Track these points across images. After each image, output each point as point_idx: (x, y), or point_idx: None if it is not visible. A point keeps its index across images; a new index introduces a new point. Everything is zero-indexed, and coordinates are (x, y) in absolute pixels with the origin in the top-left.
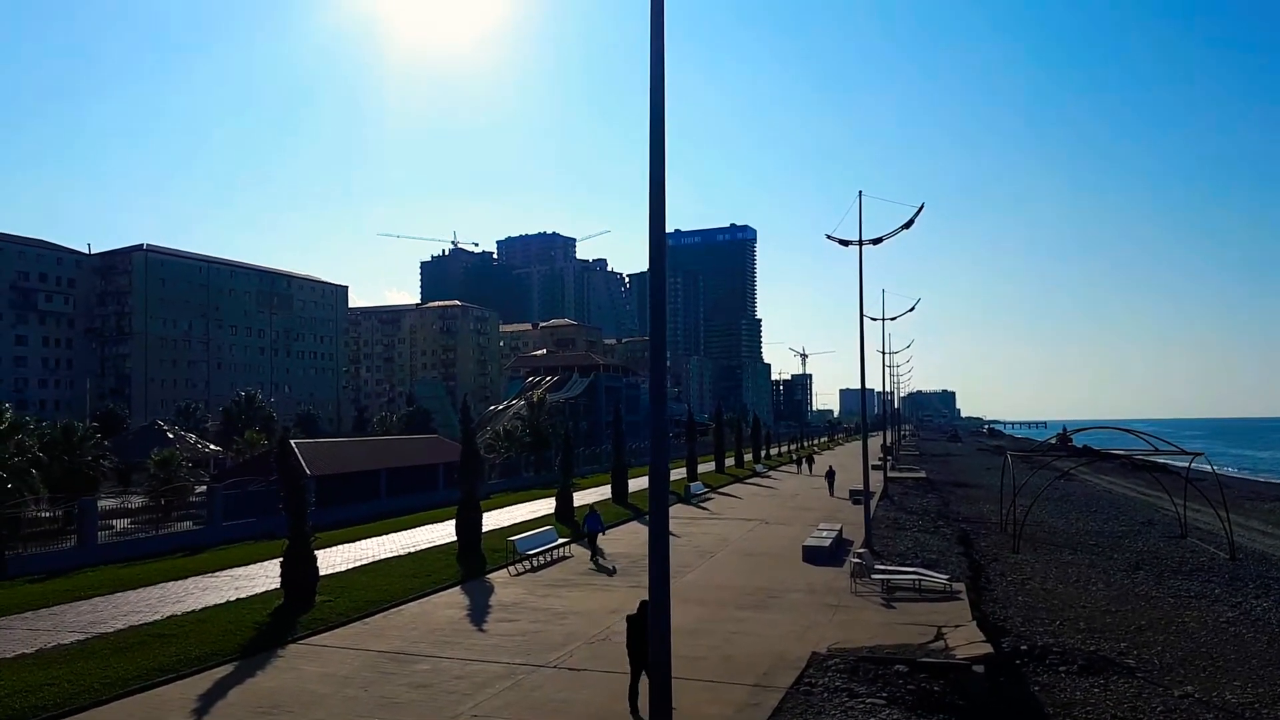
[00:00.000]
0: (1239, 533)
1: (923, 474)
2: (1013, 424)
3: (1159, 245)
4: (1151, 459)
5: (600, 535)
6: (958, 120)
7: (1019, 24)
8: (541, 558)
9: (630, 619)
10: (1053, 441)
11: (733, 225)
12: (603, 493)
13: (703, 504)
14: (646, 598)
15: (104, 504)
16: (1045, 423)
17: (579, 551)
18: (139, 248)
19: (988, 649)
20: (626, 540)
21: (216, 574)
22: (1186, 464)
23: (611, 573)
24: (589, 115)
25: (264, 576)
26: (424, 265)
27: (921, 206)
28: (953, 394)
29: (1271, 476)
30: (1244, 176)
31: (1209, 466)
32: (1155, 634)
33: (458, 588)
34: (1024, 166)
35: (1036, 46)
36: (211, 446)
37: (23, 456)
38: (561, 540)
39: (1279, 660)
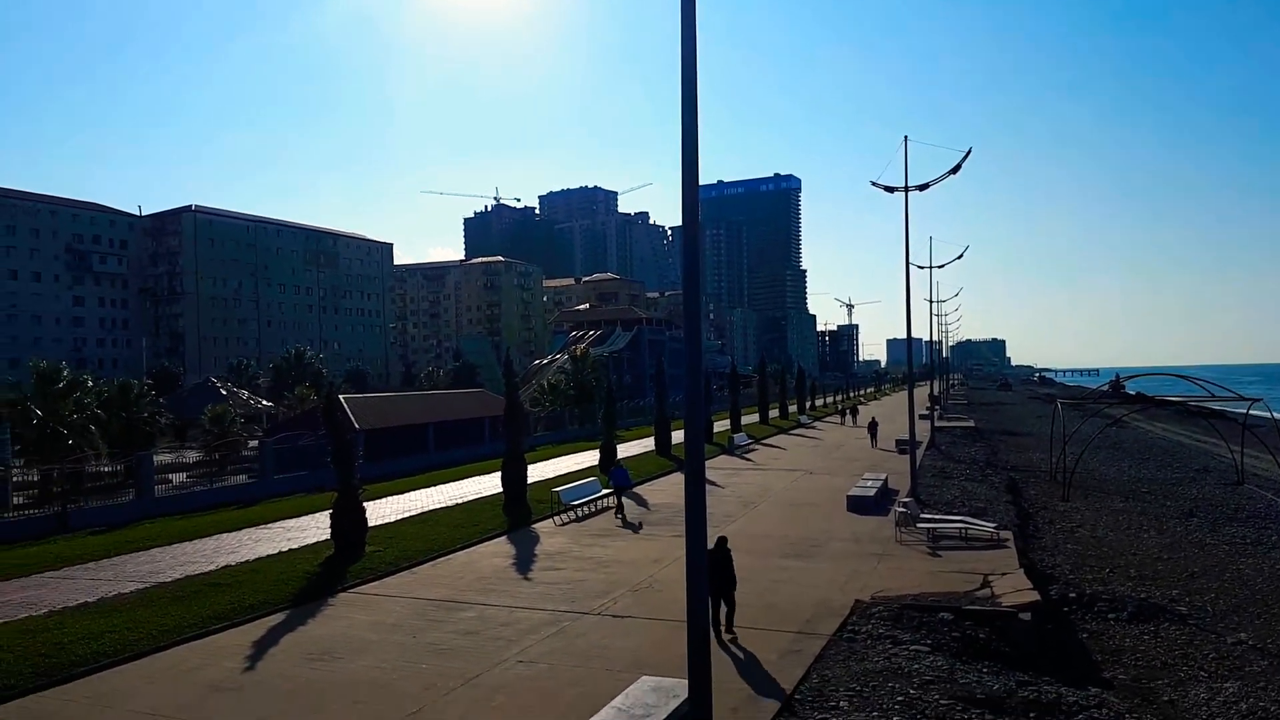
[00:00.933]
0: None
1: (971, 423)
2: (1065, 371)
3: (1205, 187)
4: (1207, 405)
5: (626, 490)
6: (1001, 62)
7: None
8: (586, 508)
9: (710, 553)
10: (1105, 389)
11: (776, 175)
12: (646, 444)
13: (746, 455)
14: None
15: (160, 459)
16: (1098, 370)
17: (624, 502)
18: (188, 209)
19: (1035, 596)
20: (672, 491)
21: (269, 526)
22: (1244, 410)
23: (637, 528)
24: (630, 69)
25: (315, 528)
26: (467, 222)
27: (969, 151)
28: (1003, 342)
29: None
30: None
31: (1266, 413)
32: (1208, 581)
33: (504, 537)
34: (1067, 109)
35: None
36: (263, 402)
37: (82, 414)
38: (605, 491)
39: None
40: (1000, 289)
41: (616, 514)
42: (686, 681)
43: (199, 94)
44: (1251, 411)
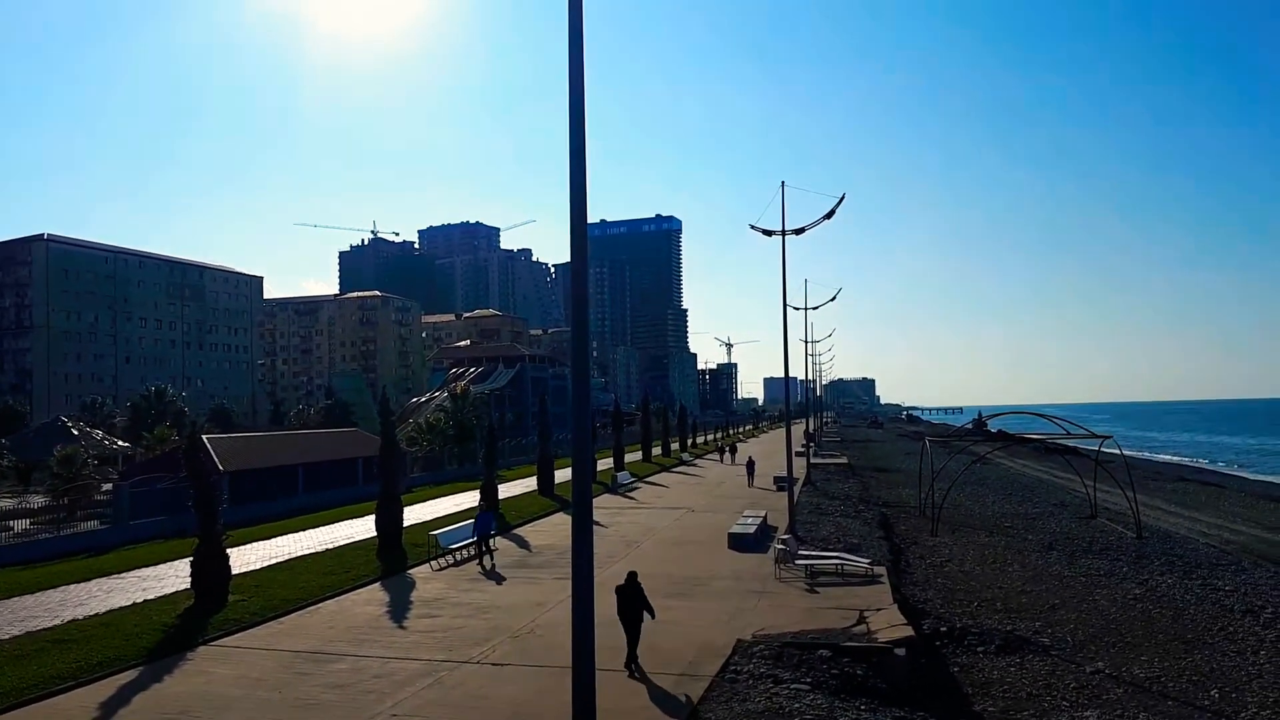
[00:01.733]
0: (1144, 512)
1: (844, 460)
2: (930, 410)
3: (1065, 237)
4: (1063, 442)
5: (492, 538)
6: (875, 110)
7: (935, 12)
8: (465, 551)
9: (619, 589)
10: (969, 426)
11: (658, 215)
12: (529, 484)
13: (629, 493)
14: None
15: (2, 504)
16: (961, 408)
17: (504, 544)
18: (39, 237)
19: (909, 631)
20: (553, 532)
21: (123, 575)
22: (1096, 447)
23: (500, 581)
24: (512, 105)
25: (173, 576)
26: (342, 255)
27: (843, 197)
28: (872, 381)
29: (1173, 457)
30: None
31: (1117, 449)
32: (1068, 612)
33: (377, 584)
34: (936, 155)
35: (947, 32)
36: (119, 443)
37: None
38: (467, 540)
39: (1184, 635)
40: (871, 330)
41: (479, 562)
42: None
43: (50, 115)
44: (1103, 449)
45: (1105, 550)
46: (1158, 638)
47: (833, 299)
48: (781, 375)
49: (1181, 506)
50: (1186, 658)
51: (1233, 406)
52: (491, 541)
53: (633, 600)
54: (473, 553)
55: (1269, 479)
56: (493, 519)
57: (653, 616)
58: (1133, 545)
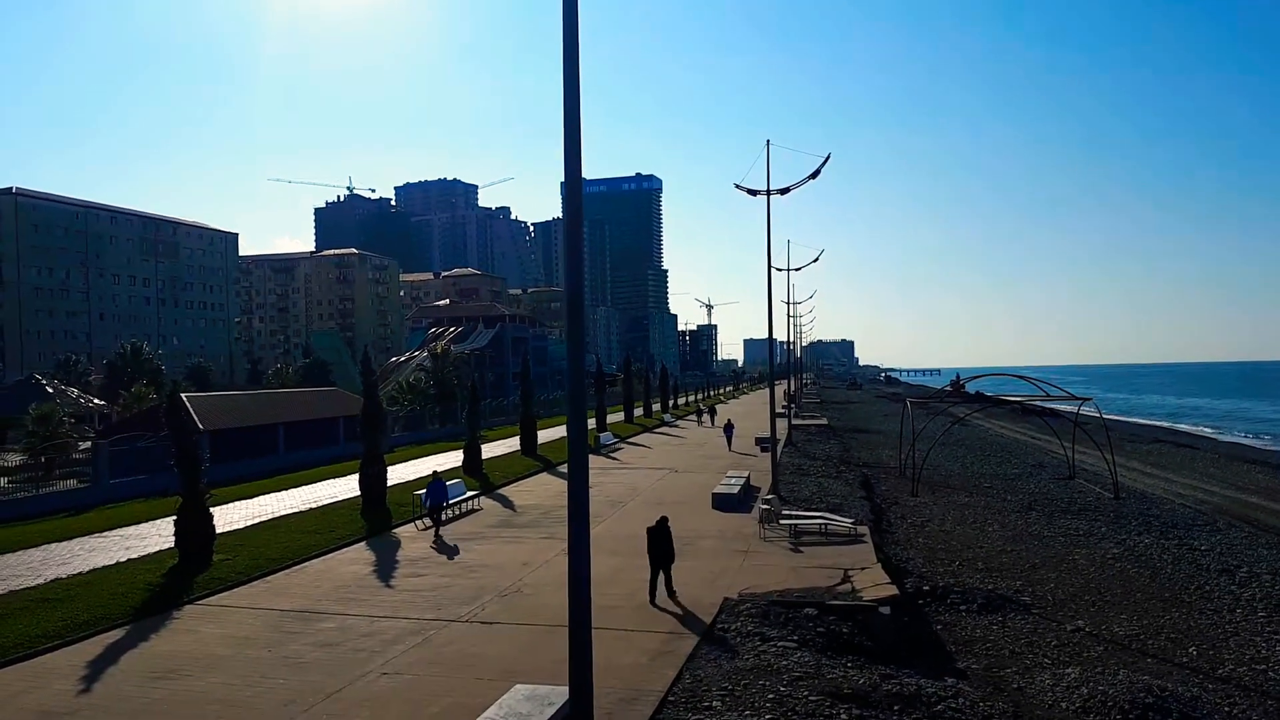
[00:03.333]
0: (1121, 473)
1: (825, 421)
2: (908, 371)
3: (1042, 200)
4: (1041, 404)
5: (445, 508)
6: (863, 67)
7: None
8: (449, 511)
9: (650, 530)
10: (948, 389)
11: (638, 175)
12: (511, 445)
13: (613, 454)
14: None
15: None
16: (939, 370)
17: (488, 504)
18: (8, 191)
19: (893, 590)
20: (538, 491)
21: (105, 534)
22: (1075, 409)
23: (453, 554)
24: (490, 59)
25: (156, 535)
26: (318, 212)
27: (828, 157)
28: (851, 343)
29: (1148, 419)
30: (1135, 122)
31: (1096, 411)
32: (1048, 571)
33: (363, 543)
34: (919, 117)
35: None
36: (96, 401)
37: None
38: (470, 493)
39: (1160, 594)
40: (850, 291)
41: (434, 538)
42: (561, 688)
43: (14, 68)
44: (1081, 410)
45: (1083, 510)
46: (1136, 596)
47: (815, 260)
48: (761, 337)
49: (1157, 468)
50: (1164, 616)
51: (1203, 369)
52: (445, 513)
53: (662, 541)
54: (427, 523)
55: (1240, 441)
56: (446, 488)
57: (672, 559)
58: (1110, 505)
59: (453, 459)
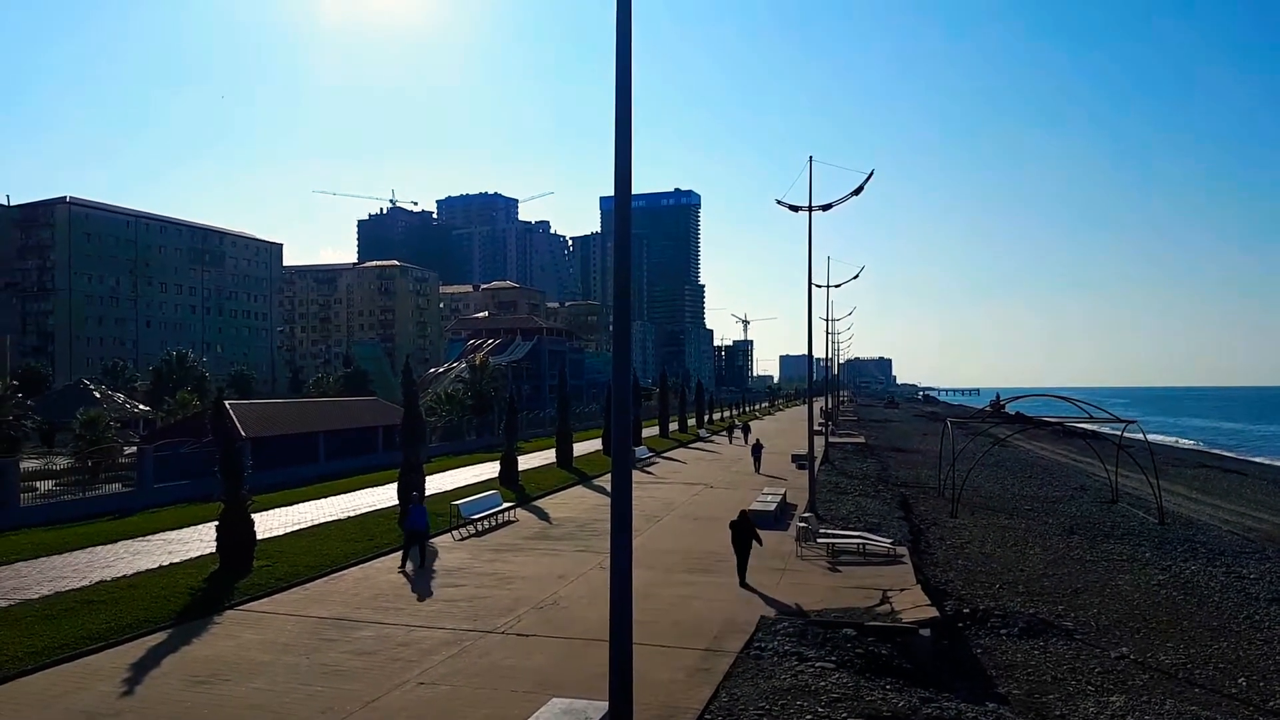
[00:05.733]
0: (1165, 498)
1: (862, 439)
2: (945, 390)
3: (1098, 216)
4: (1083, 426)
5: (423, 538)
6: (907, 85)
7: None
8: (486, 522)
9: (733, 524)
10: (988, 409)
11: (677, 190)
12: (546, 457)
13: (648, 469)
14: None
15: (26, 465)
16: (978, 390)
17: (524, 515)
18: (62, 200)
19: (933, 612)
20: (573, 504)
21: (148, 538)
22: (1119, 431)
23: (406, 599)
24: (532, 74)
25: (198, 541)
26: (361, 224)
27: (871, 173)
28: (889, 361)
29: (1194, 443)
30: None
31: (1140, 434)
32: (1091, 596)
33: (400, 552)
34: (968, 133)
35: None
36: (141, 407)
37: None
38: (506, 505)
39: (1208, 622)
40: (888, 308)
41: (402, 566)
42: (597, 703)
43: (52, 78)
44: (1125, 433)
45: (1127, 535)
46: (1183, 624)
47: (855, 277)
48: (797, 353)
49: (1202, 493)
50: (1213, 645)
51: (1242, 393)
52: (421, 546)
53: (745, 531)
54: (408, 566)
55: None
56: (426, 515)
57: (759, 544)
58: (1155, 531)
59: (489, 470)
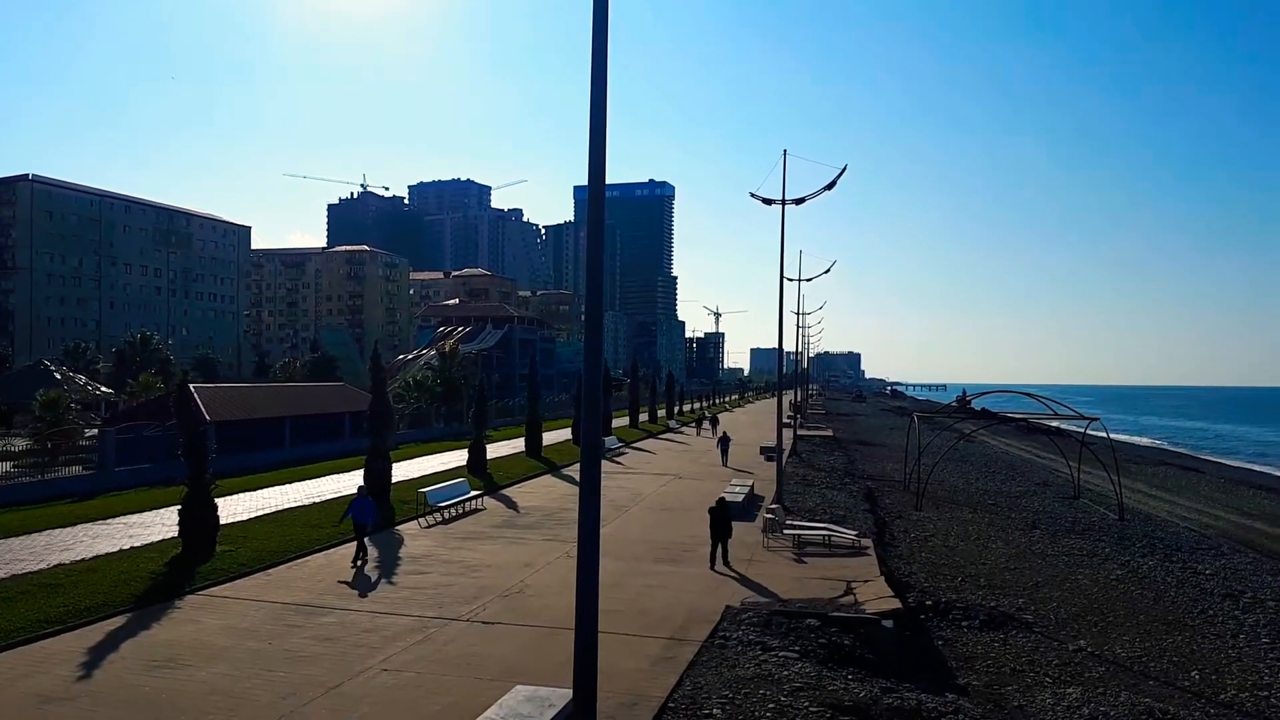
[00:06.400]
0: (1126, 494)
1: (830, 432)
2: (914, 385)
3: (1049, 223)
4: (1048, 422)
5: (369, 531)
6: (880, 81)
7: None
8: (453, 510)
9: (711, 509)
10: (954, 404)
11: (651, 181)
12: (515, 445)
13: (617, 459)
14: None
15: None
16: (945, 385)
17: (492, 504)
18: (24, 177)
19: (896, 604)
20: (541, 493)
21: (108, 521)
22: (1082, 428)
23: (370, 585)
24: (507, 62)
25: (159, 524)
26: (331, 208)
27: (844, 168)
28: (859, 355)
29: (1155, 441)
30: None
31: (1103, 432)
32: (1051, 590)
33: (367, 538)
34: (940, 131)
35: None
36: (103, 389)
37: None
38: (474, 493)
39: (1165, 617)
40: (859, 303)
41: (355, 561)
42: (562, 690)
43: (35, 47)
44: (1088, 430)
45: (1088, 531)
46: (1139, 618)
47: (827, 271)
48: (768, 346)
49: (1162, 490)
50: (1167, 639)
51: (1205, 393)
52: (366, 541)
53: (723, 517)
54: (356, 561)
55: (1247, 465)
56: (374, 508)
57: (729, 534)
58: (1115, 527)
59: (457, 458)
